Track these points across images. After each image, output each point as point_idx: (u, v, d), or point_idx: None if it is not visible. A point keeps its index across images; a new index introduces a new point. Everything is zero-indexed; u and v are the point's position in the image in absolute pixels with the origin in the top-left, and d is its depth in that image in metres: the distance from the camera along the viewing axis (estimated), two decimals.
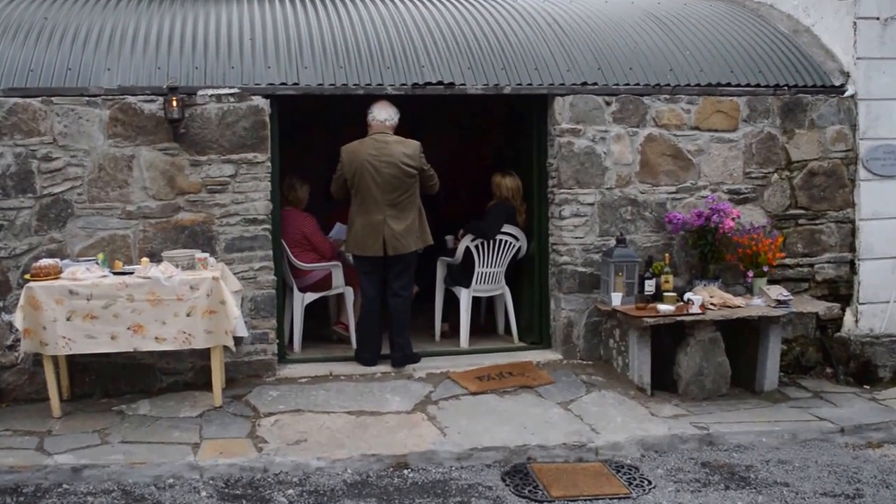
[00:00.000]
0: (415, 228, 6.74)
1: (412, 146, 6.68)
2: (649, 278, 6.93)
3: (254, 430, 5.84)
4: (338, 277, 7.54)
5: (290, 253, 7.37)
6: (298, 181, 7.59)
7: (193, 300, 5.94)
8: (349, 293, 7.56)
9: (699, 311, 6.54)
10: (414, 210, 6.76)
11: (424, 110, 8.01)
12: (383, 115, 6.75)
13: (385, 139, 6.70)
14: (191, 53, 6.82)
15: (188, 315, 5.95)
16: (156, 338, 5.96)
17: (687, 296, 6.77)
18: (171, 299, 5.93)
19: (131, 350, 6.01)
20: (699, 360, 6.61)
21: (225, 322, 5.98)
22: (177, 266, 6.10)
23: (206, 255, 6.21)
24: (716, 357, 6.65)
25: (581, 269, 7.21)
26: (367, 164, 6.64)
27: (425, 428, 5.87)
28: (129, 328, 5.93)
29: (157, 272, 5.95)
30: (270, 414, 6.10)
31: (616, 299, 6.85)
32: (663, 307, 6.57)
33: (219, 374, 6.18)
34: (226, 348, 6.29)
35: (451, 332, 7.84)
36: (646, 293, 6.88)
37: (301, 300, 7.48)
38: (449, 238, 8.00)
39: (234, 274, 6.62)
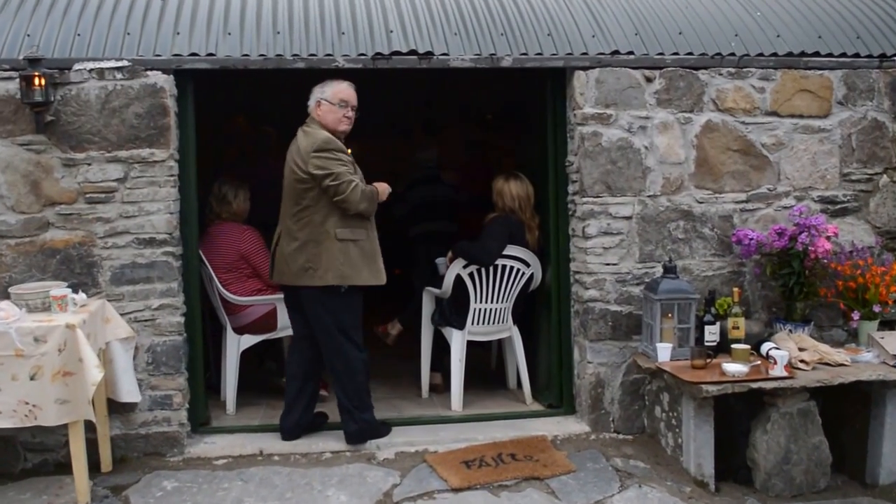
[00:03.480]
0: (310, 254, 4.78)
1: (309, 140, 4.74)
2: (711, 322, 4.91)
3: None
4: (284, 315, 5.63)
5: (217, 282, 5.51)
6: (231, 188, 5.74)
7: (39, 357, 4.08)
8: None
9: (785, 374, 4.48)
10: (315, 230, 4.78)
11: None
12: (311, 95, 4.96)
13: (302, 130, 4.90)
14: (76, 16, 5.02)
15: (32, 378, 4.09)
16: None
17: (766, 348, 4.73)
18: (9, 356, 4.08)
19: None
20: (785, 441, 4.54)
21: (83, 388, 4.10)
22: (24, 307, 4.27)
23: (67, 291, 4.35)
24: (809, 437, 4.58)
25: (614, 307, 5.21)
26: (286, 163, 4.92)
27: None
28: None
29: None
30: None
31: (663, 352, 4.83)
32: (732, 367, 4.52)
33: (82, 460, 4.28)
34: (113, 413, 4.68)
35: (445, 384, 5.87)
36: (706, 343, 4.87)
37: (236, 345, 5.61)
38: (440, 261, 6.04)
39: (125, 315, 4.78)
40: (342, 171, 4.67)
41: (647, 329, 5.07)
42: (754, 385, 4.45)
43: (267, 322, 5.62)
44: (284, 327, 5.66)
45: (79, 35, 4.90)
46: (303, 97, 4.91)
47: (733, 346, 4.75)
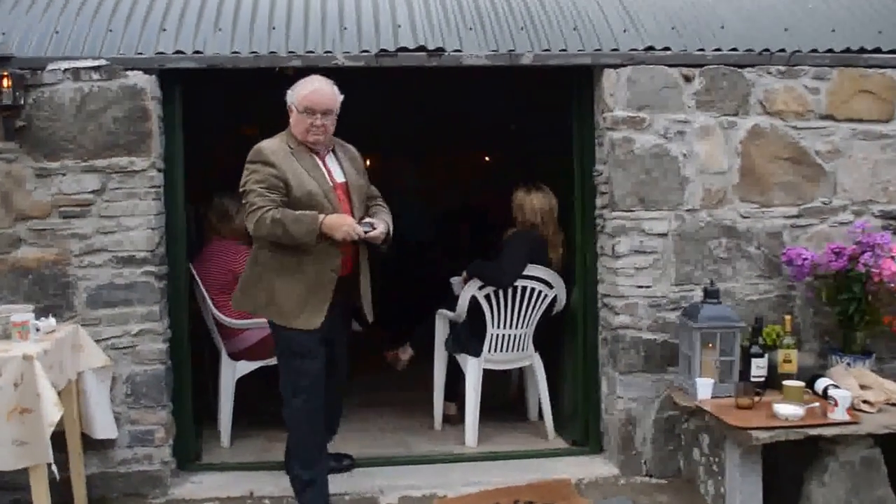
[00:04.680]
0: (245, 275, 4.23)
1: None
2: (758, 354, 4.33)
3: None
4: None
5: (211, 303, 5.05)
6: (232, 202, 5.27)
7: None
8: None
9: (847, 418, 3.89)
10: (254, 246, 4.18)
11: None
12: None
13: None
14: (58, 12, 4.58)
15: None
16: None
17: (823, 385, 4.16)
18: None
19: None
20: (845, 494, 3.94)
21: (42, 429, 3.63)
22: None
23: (29, 316, 3.88)
24: (873, 489, 3.97)
25: (647, 335, 4.65)
26: None
27: None
28: None
29: None
30: None
31: (704, 388, 4.26)
32: (785, 409, 3.92)
33: None
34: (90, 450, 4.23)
35: (461, 414, 5.33)
36: (753, 378, 4.30)
37: (231, 372, 5.14)
38: (455, 280, 5.51)
39: (102, 341, 4.33)
40: (252, 189, 3.92)
41: (684, 361, 4.50)
42: (812, 431, 3.85)
43: (264, 347, 5.11)
44: None
45: (57, 32, 4.46)
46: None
47: (785, 382, 4.17)
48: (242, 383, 5.22)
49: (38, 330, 3.86)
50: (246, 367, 5.17)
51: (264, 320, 5.00)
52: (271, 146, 4.00)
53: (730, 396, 4.21)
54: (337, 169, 4.16)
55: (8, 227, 4.31)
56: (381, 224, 4.03)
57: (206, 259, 5.17)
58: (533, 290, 5.01)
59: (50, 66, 4.28)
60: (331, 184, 4.05)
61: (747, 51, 4.71)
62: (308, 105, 3.96)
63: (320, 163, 4.09)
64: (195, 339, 4.97)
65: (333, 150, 4.19)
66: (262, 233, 3.89)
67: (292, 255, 3.95)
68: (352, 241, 3.95)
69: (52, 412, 3.59)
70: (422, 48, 4.49)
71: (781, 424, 3.86)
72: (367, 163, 4.52)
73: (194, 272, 5.04)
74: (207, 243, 5.31)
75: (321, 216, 3.87)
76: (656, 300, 4.66)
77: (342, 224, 3.88)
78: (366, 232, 3.92)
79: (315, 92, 3.97)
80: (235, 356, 5.16)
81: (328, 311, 4.00)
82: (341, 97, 4.05)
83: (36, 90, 4.27)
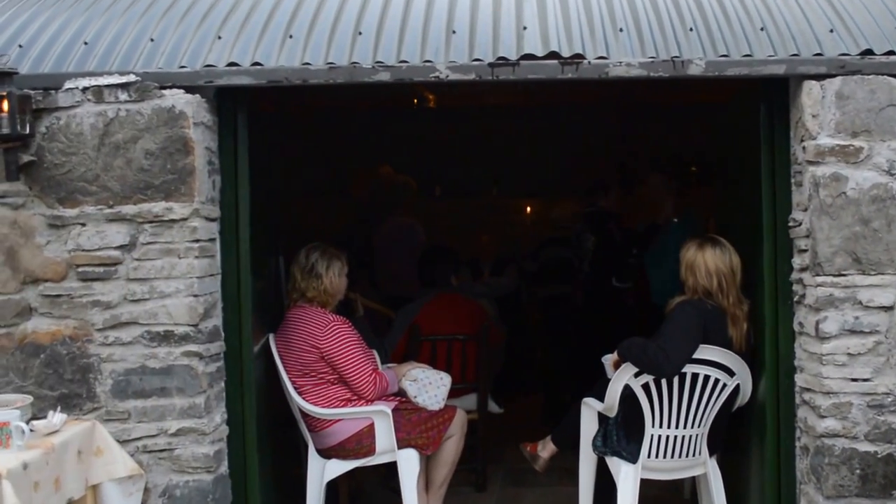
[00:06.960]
0: None
1: None
2: None
3: None
4: (384, 433, 4.05)
5: (290, 387, 4.02)
6: (322, 257, 4.18)
7: None
8: (408, 461, 4.05)
9: None
10: None
11: None
12: None
13: None
14: (98, 16, 3.70)
15: None
16: None
17: None
18: None
19: None
20: None
21: None
22: None
23: (12, 415, 2.88)
24: None
25: (865, 446, 3.38)
26: None
27: None
28: None
29: None
30: None
31: None
32: None
33: None
34: None
35: None
36: None
37: (319, 472, 4.09)
38: (606, 360, 4.27)
39: (130, 442, 3.35)
40: None
41: None
42: None
43: (360, 443, 4.04)
44: (385, 451, 4.08)
45: (86, 44, 3.53)
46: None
47: None
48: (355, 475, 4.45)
49: (24, 433, 2.85)
50: (338, 467, 4.09)
51: (358, 409, 4.08)
52: None
53: None
54: None
55: (14, 291, 3.36)
56: None
57: (288, 329, 4.13)
58: (707, 377, 3.73)
59: (66, 85, 3.33)
60: None
61: None
62: None
63: None
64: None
65: None
66: None
67: None
68: None
69: None
70: (554, 55, 3.34)
71: None
72: None
73: (273, 347, 4.05)
74: (289, 307, 4.27)
75: None
76: (878, 399, 3.39)
77: None
78: None
79: None
80: (325, 453, 4.10)
81: None
82: None
83: (49, 115, 3.33)
